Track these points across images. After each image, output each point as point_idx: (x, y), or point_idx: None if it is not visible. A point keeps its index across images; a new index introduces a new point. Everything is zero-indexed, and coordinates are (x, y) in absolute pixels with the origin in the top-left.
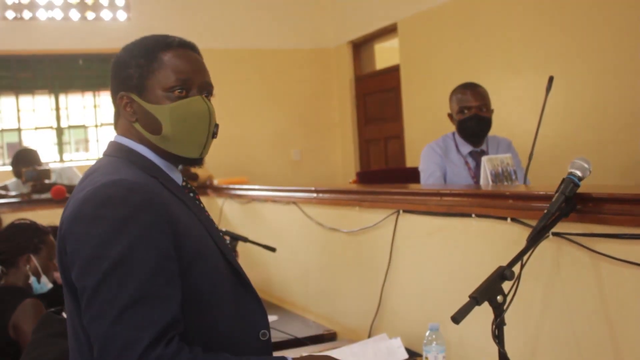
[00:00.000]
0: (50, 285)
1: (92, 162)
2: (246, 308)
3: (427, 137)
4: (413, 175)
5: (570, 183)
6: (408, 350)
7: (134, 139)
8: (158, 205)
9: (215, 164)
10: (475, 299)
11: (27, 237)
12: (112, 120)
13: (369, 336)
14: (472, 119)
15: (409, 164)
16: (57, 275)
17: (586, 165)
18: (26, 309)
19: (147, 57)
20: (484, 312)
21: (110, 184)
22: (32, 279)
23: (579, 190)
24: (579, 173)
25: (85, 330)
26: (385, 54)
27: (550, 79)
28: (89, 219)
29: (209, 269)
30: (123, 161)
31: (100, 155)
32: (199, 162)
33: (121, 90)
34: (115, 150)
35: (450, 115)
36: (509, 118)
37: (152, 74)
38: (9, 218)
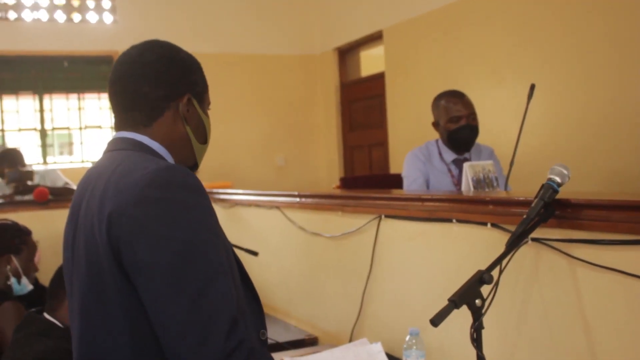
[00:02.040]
0: (30, 287)
1: (76, 165)
2: (250, 307)
3: (411, 144)
4: (396, 181)
5: (550, 189)
6: (388, 355)
7: (158, 139)
8: (206, 192)
9: (199, 168)
10: (454, 302)
11: (7, 237)
12: (96, 123)
13: (350, 341)
14: (466, 129)
15: (393, 171)
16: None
17: (565, 172)
18: (5, 312)
19: (202, 71)
20: (463, 317)
21: (166, 168)
22: (13, 280)
23: (558, 196)
24: (558, 179)
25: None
26: (370, 61)
27: (532, 87)
28: (151, 201)
29: (233, 266)
30: (146, 155)
31: (85, 157)
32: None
33: (188, 91)
34: (133, 145)
35: (435, 124)
36: (492, 126)
37: (207, 89)
38: None
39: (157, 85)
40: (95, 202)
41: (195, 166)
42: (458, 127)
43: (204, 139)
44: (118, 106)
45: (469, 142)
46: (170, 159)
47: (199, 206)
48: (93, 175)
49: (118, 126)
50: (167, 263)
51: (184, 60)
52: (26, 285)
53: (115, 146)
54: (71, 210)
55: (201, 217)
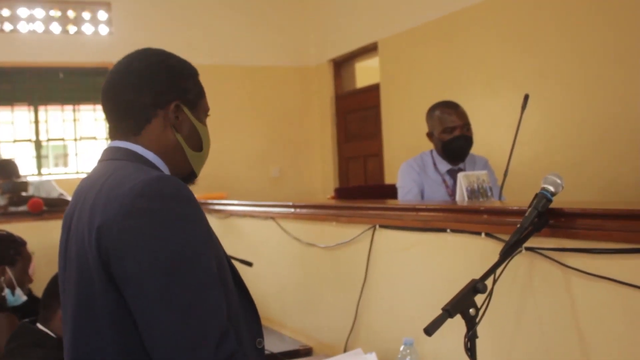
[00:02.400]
0: (24, 298)
1: (71, 176)
2: (246, 316)
3: (406, 155)
4: (391, 191)
5: (543, 198)
6: None
7: (151, 148)
8: (198, 202)
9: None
10: (448, 311)
11: (2, 248)
12: (91, 135)
13: (345, 351)
14: (460, 139)
15: (388, 181)
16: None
17: (558, 181)
18: None
19: (197, 77)
20: (458, 327)
21: (158, 179)
22: (7, 291)
23: (552, 206)
24: (551, 188)
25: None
26: (365, 73)
27: (526, 97)
28: (141, 212)
29: (226, 274)
30: (139, 164)
31: (80, 168)
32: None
33: (177, 98)
34: (126, 155)
35: (430, 134)
36: (486, 136)
37: (202, 96)
38: None
39: (143, 93)
40: (86, 213)
41: (192, 175)
42: (452, 137)
43: (198, 147)
44: (110, 115)
45: (463, 153)
46: (164, 167)
47: (189, 217)
48: (85, 186)
49: (111, 135)
50: (157, 274)
51: (172, 66)
52: (20, 297)
53: (108, 155)
54: (64, 220)
55: (192, 228)
